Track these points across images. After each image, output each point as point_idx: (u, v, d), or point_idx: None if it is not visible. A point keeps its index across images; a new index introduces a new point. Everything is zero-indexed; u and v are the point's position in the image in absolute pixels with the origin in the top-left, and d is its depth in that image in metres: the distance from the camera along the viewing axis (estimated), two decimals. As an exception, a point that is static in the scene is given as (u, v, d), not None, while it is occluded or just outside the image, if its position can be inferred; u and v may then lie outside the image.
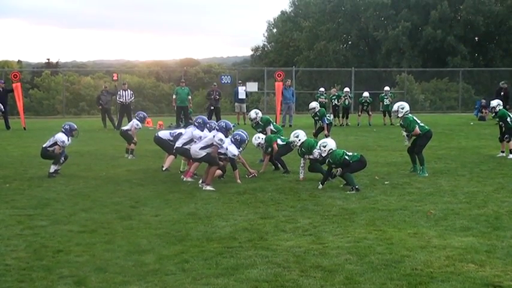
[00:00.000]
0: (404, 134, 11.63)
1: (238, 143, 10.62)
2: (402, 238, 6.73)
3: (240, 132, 10.88)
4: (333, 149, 10.16)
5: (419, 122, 11.50)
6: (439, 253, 6.13)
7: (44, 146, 11.74)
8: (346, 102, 24.63)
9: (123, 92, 23.03)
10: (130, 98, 23.05)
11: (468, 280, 5.31)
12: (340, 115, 24.50)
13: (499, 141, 14.01)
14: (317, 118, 17.06)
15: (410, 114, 11.54)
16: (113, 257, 6.15)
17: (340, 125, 23.99)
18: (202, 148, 10.35)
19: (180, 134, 11.74)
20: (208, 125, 11.41)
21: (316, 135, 16.26)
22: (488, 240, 6.60)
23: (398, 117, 11.65)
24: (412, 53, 47.11)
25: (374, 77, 42.12)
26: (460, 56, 45.37)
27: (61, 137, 11.65)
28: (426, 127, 11.56)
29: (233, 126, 11.32)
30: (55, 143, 11.59)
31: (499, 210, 8.12)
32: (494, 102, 14.29)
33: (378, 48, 49.43)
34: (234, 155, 10.53)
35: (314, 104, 17.24)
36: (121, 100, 22.93)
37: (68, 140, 11.79)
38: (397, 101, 12.52)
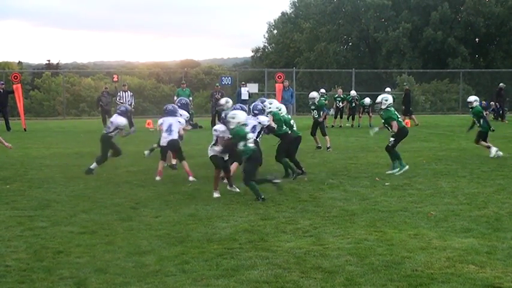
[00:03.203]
0: (377, 129, 12.08)
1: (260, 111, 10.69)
2: (403, 239, 6.73)
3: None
4: (241, 122, 9.36)
5: (399, 117, 11.76)
6: (439, 254, 6.12)
7: (105, 132, 12.02)
8: (353, 104, 24.78)
9: (123, 93, 23.02)
10: (130, 99, 23.02)
11: (468, 281, 5.30)
12: (345, 116, 24.67)
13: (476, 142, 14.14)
14: (314, 107, 16.25)
15: (392, 108, 11.76)
16: (113, 258, 6.15)
17: (339, 126, 24.07)
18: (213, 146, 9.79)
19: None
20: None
21: (313, 133, 16.05)
22: (488, 242, 6.60)
23: (381, 108, 11.73)
24: (412, 54, 47.19)
25: (374, 78, 42.15)
26: (461, 57, 45.46)
27: (119, 120, 11.87)
28: (403, 123, 11.78)
29: None
30: (116, 128, 11.83)
31: (499, 212, 8.12)
32: (471, 98, 14.40)
33: (379, 49, 49.50)
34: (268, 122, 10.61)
35: (315, 94, 16.58)
36: (121, 101, 22.92)
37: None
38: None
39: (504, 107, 28.21)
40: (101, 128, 23.21)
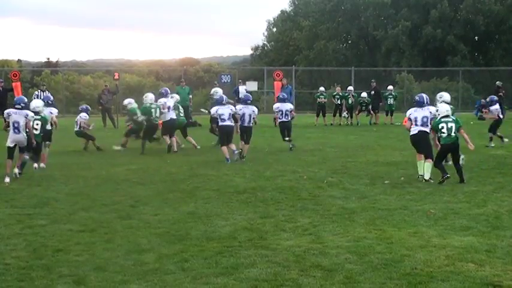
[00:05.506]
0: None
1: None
2: (402, 237, 6.73)
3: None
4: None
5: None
6: (438, 252, 6.12)
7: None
8: (350, 101, 24.61)
9: (41, 92, 22.10)
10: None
11: (468, 280, 5.31)
12: (344, 113, 24.53)
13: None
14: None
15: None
16: (113, 256, 6.15)
17: (339, 124, 24.04)
18: None
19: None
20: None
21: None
22: (488, 240, 6.60)
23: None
24: (411, 52, 47.12)
25: (374, 77, 42.05)
26: (460, 55, 45.37)
27: (164, 100, 14.92)
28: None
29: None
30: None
31: (498, 210, 8.12)
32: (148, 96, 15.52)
33: (378, 47, 49.44)
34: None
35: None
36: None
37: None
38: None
39: (504, 105, 28.19)
40: (100, 126, 23.22)
